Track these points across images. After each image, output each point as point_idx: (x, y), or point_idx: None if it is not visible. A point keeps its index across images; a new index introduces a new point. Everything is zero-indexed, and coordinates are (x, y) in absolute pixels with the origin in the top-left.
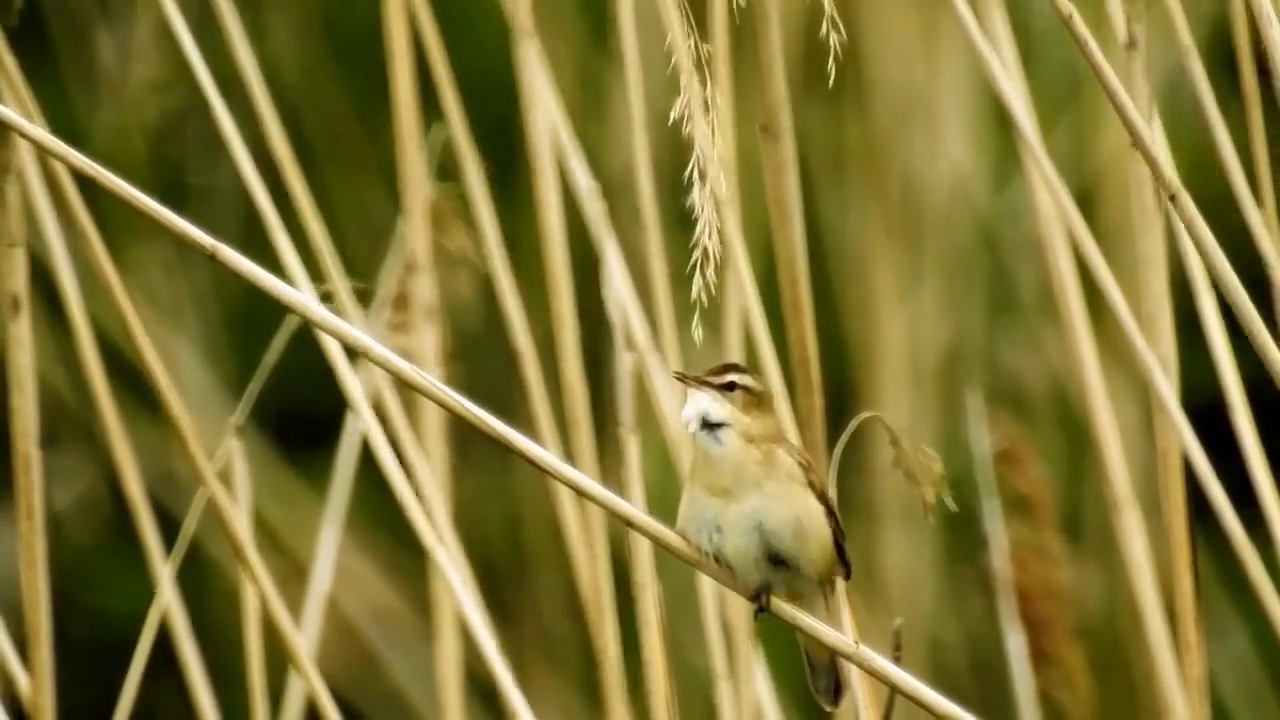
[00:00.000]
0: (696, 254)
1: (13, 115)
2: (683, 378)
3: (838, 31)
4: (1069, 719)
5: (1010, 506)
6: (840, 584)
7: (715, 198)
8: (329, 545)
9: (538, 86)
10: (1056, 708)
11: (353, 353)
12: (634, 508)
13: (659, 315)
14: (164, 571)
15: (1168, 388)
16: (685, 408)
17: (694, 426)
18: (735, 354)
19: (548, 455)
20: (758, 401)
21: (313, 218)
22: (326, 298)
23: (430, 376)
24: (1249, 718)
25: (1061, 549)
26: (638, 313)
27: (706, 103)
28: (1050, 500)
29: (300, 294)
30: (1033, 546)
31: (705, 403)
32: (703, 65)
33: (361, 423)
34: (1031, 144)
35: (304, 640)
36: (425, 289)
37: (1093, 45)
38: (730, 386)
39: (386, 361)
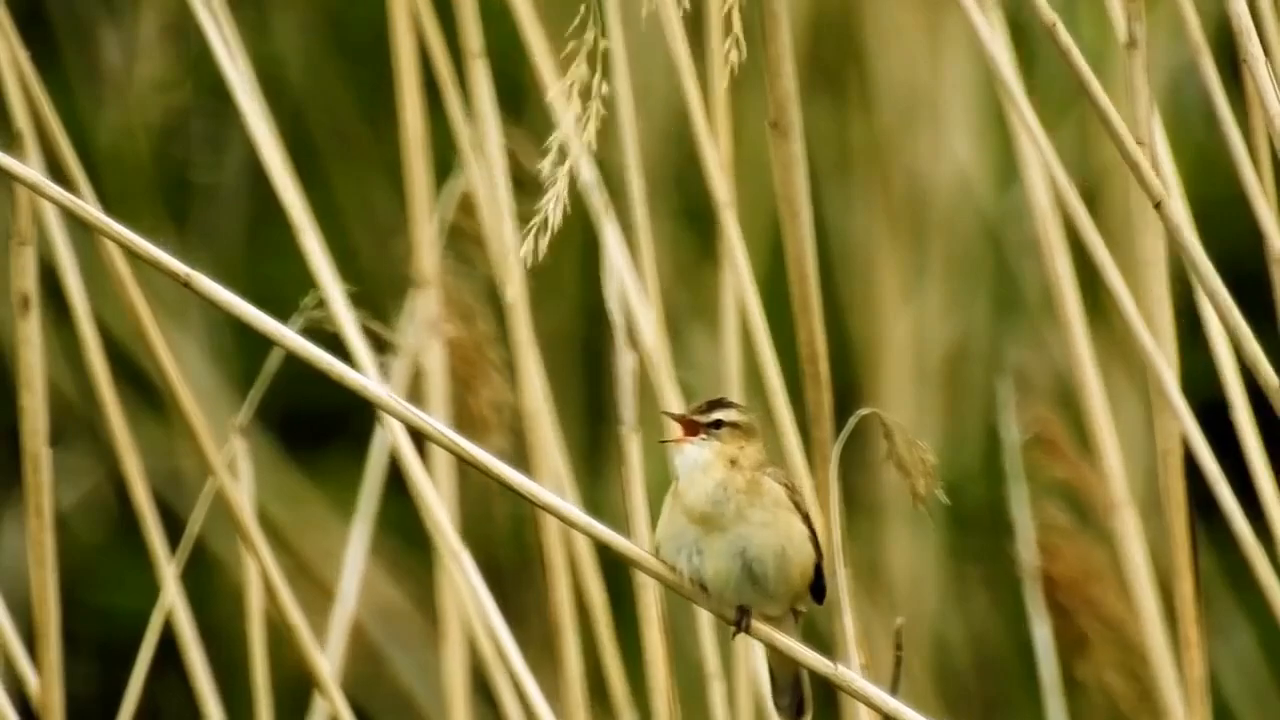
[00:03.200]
0: (536, 220)
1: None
2: (678, 432)
3: (739, 50)
4: (1112, 703)
5: (1043, 492)
6: (843, 582)
7: (571, 175)
8: (354, 568)
9: (488, 106)
10: (1087, 697)
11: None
12: (614, 533)
13: (652, 312)
14: (169, 571)
15: (1170, 380)
16: (675, 459)
17: (684, 474)
18: (733, 352)
19: (531, 483)
20: (744, 433)
21: (309, 221)
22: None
23: (406, 403)
24: (1254, 718)
25: (1102, 531)
26: (642, 311)
27: (591, 89)
28: (1094, 481)
29: (276, 323)
30: (1069, 531)
31: (691, 453)
32: (596, 56)
33: (389, 432)
34: (1033, 132)
35: (327, 663)
36: (430, 304)
37: (1076, 54)
38: (716, 425)
39: (365, 390)
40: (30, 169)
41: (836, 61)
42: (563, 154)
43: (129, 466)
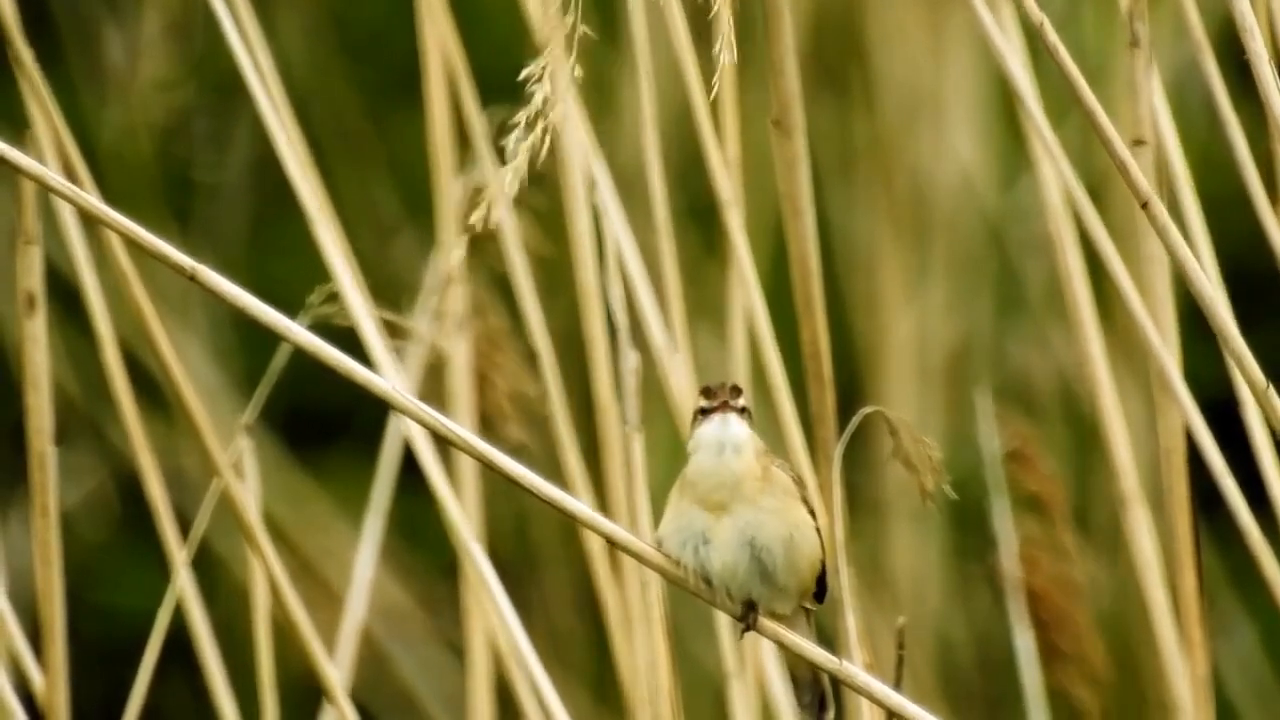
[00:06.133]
0: (489, 189)
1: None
2: (718, 406)
3: (731, 51)
4: (1082, 717)
5: (1021, 505)
6: (846, 581)
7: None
8: (364, 575)
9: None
10: (1069, 706)
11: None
12: (619, 528)
13: (671, 311)
14: (179, 556)
15: (1175, 373)
16: (711, 429)
17: (718, 445)
18: (740, 352)
19: (555, 489)
20: (751, 420)
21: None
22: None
23: (412, 397)
24: (1257, 716)
25: (1075, 546)
26: (654, 309)
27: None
28: (1062, 498)
29: (283, 316)
30: (1044, 544)
31: (736, 427)
32: (573, 41)
33: (403, 428)
34: (1041, 129)
35: (337, 671)
36: (458, 299)
37: (1063, 53)
38: (743, 410)
39: (373, 385)
40: (34, 162)
41: (839, 60)
42: (529, 129)
43: (144, 463)
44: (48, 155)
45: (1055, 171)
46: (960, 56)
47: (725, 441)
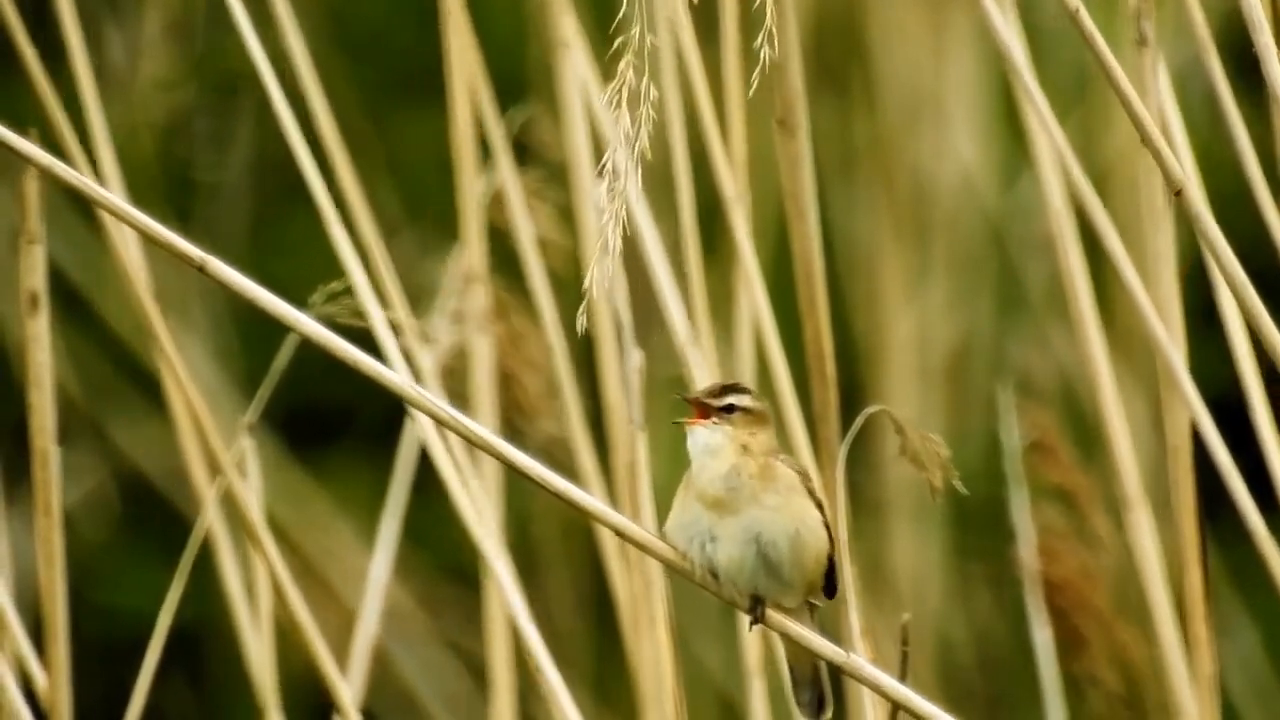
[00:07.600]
0: (597, 245)
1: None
2: (686, 403)
3: (771, 47)
4: (1106, 702)
5: (1041, 496)
6: (850, 580)
7: (623, 192)
8: (376, 589)
9: (576, 96)
10: (1085, 702)
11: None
12: (629, 521)
13: (694, 306)
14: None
15: (1182, 369)
16: (689, 439)
17: (695, 450)
18: (746, 351)
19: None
20: (756, 419)
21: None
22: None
23: (423, 390)
24: (1260, 716)
25: (1106, 531)
26: (677, 305)
27: (641, 94)
28: (1087, 485)
29: (292, 309)
30: (1067, 534)
31: (703, 435)
32: (644, 55)
33: (420, 430)
34: (1043, 112)
35: (349, 689)
36: (478, 298)
37: (1100, 40)
38: (729, 409)
39: (381, 376)
40: (42, 152)
41: (841, 60)
42: (616, 173)
43: (186, 445)
44: (76, 154)
45: (1057, 162)
46: (961, 56)
47: (697, 453)
